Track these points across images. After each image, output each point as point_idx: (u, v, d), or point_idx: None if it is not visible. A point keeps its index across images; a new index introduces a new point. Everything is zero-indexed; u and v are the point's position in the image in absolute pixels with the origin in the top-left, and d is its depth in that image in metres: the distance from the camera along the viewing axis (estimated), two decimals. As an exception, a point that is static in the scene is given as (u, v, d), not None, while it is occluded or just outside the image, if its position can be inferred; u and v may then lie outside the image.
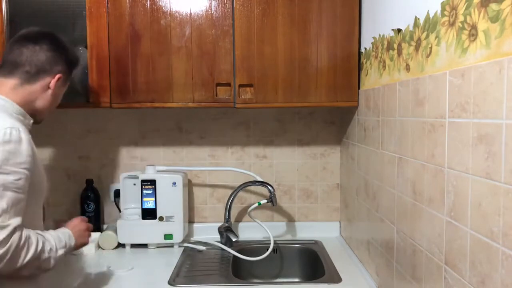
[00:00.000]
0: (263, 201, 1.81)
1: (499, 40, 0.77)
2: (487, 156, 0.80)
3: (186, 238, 1.93)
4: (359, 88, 1.69)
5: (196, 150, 2.02)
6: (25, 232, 1.08)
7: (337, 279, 1.51)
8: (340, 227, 2.04)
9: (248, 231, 1.99)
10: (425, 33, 1.08)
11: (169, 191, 1.82)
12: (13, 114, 1.17)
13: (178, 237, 1.83)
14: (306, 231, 2.02)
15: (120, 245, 1.85)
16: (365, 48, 1.62)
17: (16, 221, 1.05)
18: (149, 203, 1.82)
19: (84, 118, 1.99)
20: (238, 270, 1.70)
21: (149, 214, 1.82)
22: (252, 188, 2.01)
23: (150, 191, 1.82)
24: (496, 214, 0.77)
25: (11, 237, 1.03)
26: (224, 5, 1.65)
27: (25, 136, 1.11)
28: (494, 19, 0.78)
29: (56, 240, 1.17)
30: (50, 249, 1.14)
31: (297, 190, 2.04)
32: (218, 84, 1.68)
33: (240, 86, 1.67)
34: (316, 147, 2.03)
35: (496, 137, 0.77)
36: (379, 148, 1.42)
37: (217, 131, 2.02)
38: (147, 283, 1.53)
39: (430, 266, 1.04)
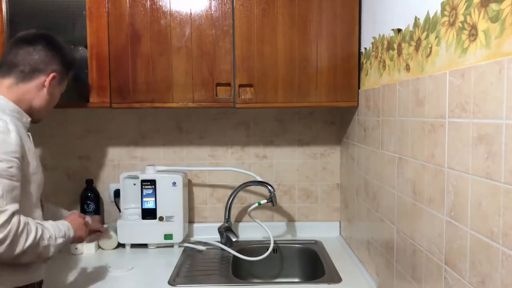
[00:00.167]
0: (263, 201, 1.81)
1: (499, 40, 0.77)
2: (487, 156, 0.80)
3: (186, 238, 1.93)
4: (359, 88, 1.69)
5: (196, 150, 2.02)
6: (24, 218, 1.10)
7: (337, 279, 1.51)
8: (340, 227, 2.04)
9: (248, 231, 1.99)
10: (425, 33, 1.08)
11: (169, 191, 1.82)
12: (6, 111, 1.20)
13: (178, 237, 1.83)
14: (306, 231, 2.02)
15: (120, 245, 1.85)
16: (365, 48, 1.62)
17: (13, 206, 1.08)
18: (149, 203, 1.83)
19: (84, 118, 1.99)
20: (238, 270, 1.70)
21: (149, 214, 1.82)
22: (252, 188, 2.01)
23: (150, 191, 1.82)
24: (496, 214, 0.77)
25: (10, 221, 1.06)
26: (224, 5, 1.65)
27: (12, 128, 1.14)
28: (494, 19, 0.78)
29: (55, 229, 1.20)
30: (50, 237, 1.16)
31: (297, 190, 2.04)
32: (218, 84, 1.68)
33: (240, 86, 1.67)
34: (316, 147, 2.03)
35: (496, 137, 0.77)
36: (379, 148, 1.42)
37: (217, 131, 2.02)
38: (147, 283, 1.53)
39: (430, 266, 1.04)
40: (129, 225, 1.83)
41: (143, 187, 1.82)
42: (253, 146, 2.02)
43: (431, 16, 1.05)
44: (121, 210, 1.89)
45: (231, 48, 1.67)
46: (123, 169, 1.99)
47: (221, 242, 1.86)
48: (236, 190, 1.88)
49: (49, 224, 1.20)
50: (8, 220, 1.05)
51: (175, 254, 1.77)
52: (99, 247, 1.83)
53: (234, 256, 1.74)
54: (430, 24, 1.05)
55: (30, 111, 1.29)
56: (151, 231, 1.83)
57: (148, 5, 1.65)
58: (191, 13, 1.66)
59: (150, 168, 1.86)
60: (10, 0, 1.62)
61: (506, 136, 0.74)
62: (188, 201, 1.99)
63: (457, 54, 0.92)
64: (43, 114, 1.34)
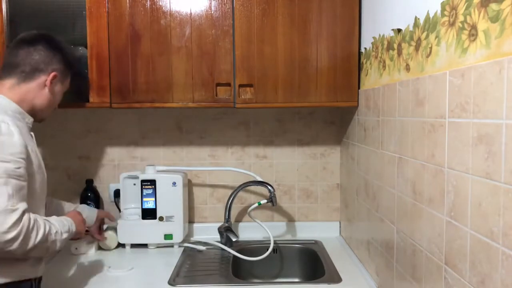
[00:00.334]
0: (263, 201, 1.81)
1: (499, 40, 0.77)
2: (487, 156, 0.80)
3: (186, 238, 1.93)
4: (359, 88, 1.69)
5: (196, 150, 2.02)
6: (33, 215, 1.14)
7: (337, 279, 1.51)
8: (340, 227, 2.04)
9: (248, 231, 1.99)
10: (425, 33, 1.08)
11: (169, 191, 1.82)
12: (8, 112, 1.21)
13: (178, 237, 1.83)
14: (306, 231, 2.02)
15: (120, 245, 1.85)
16: (365, 48, 1.62)
17: (23, 205, 1.12)
18: (149, 203, 1.83)
19: (84, 118, 2.00)
20: (238, 270, 1.70)
21: (149, 214, 1.82)
22: (252, 188, 2.01)
23: (150, 191, 1.82)
24: (496, 214, 0.77)
25: (21, 219, 1.10)
26: (224, 5, 1.65)
27: (15, 129, 1.16)
28: (494, 19, 0.78)
29: (60, 224, 1.24)
30: (56, 232, 1.21)
31: (297, 190, 2.04)
32: (218, 84, 1.68)
33: (240, 86, 1.67)
34: (316, 147, 2.03)
35: (496, 137, 0.77)
36: (379, 148, 1.42)
37: (217, 131, 2.02)
38: (147, 283, 1.53)
39: (430, 266, 1.04)
40: (129, 225, 1.83)
41: (143, 187, 1.82)
42: (253, 146, 2.02)
43: (431, 16, 1.05)
44: (121, 210, 1.89)
45: (231, 48, 1.67)
46: (123, 169, 1.99)
47: (221, 242, 1.86)
48: (236, 190, 1.88)
49: (54, 220, 1.24)
50: (20, 218, 1.09)
51: (175, 254, 1.77)
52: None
53: (234, 256, 1.74)
54: (430, 24, 1.05)
55: (32, 111, 1.31)
56: (151, 231, 1.83)
57: (148, 5, 1.65)
58: (191, 13, 1.66)
59: (150, 168, 1.86)
60: (10, 0, 1.62)
61: (506, 136, 0.74)
62: (188, 201, 1.99)
63: (457, 54, 0.92)
64: (46, 113, 1.37)
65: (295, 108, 1.98)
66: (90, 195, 1.95)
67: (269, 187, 1.80)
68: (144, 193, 1.82)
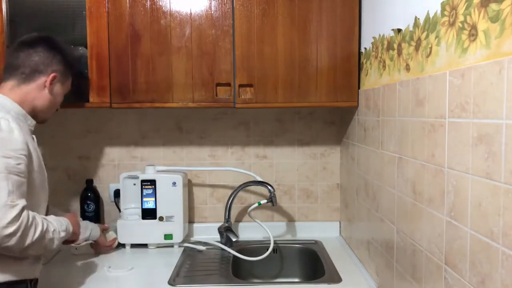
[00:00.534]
0: (263, 201, 1.81)
1: (499, 40, 0.77)
2: (487, 156, 0.80)
3: (186, 238, 1.93)
4: (359, 88, 1.69)
5: (196, 150, 2.02)
6: (31, 212, 1.16)
7: (337, 279, 1.51)
8: (340, 227, 2.04)
9: (248, 231, 1.99)
10: (425, 33, 1.08)
11: (169, 191, 1.82)
12: (10, 112, 1.23)
13: (178, 237, 1.83)
14: (306, 231, 2.02)
15: (120, 245, 1.85)
16: (365, 48, 1.62)
17: (22, 201, 1.13)
18: (149, 203, 1.82)
19: (84, 118, 2.00)
20: (238, 270, 1.70)
21: (149, 214, 1.82)
22: (252, 188, 2.01)
23: (150, 191, 1.82)
24: (496, 214, 0.77)
25: (21, 215, 1.11)
26: (224, 5, 1.65)
27: (15, 126, 1.18)
28: (494, 19, 0.78)
29: (57, 223, 1.26)
30: (54, 230, 1.22)
31: (297, 190, 2.04)
32: (218, 84, 1.68)
33: (240, 86, 1.67)
34: (316, 147, 2.03)
35: (496, 137, 0.77)
36: (379, 148, 1.42)
37: (217, 131, 2.02)
38: (147, 283, 1.53)
39: (430, 266, 1.04)
40: (129, 225, 1.83)
41: (143, 187, 1.82)
42: (253, 146, 2.02)
43: (431, 16, 1.05)
44: (121, 210, 1.89)
45: (231, 48, 1.67)
46: (123, 169, 1.99)
47: (221, 242, 1.86)
48: (236, 190, 1.88)
49: (52, 218, 1.25)
50: (19, 214, 1.10)
51: (175, 254, 1.77)
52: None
53: (234, 256, 1.74)
54: (430, 24, 1.05)
55: (33, 112, 1.32)
56: (151, 231, 1.83)
57: (148, 5, 1.65)
58: (191, 13, 1.66)
59: (150, 168, 1.86)
60: (10, 0, 1.62)
61: (506, 136, 0.74)
62: (188, 201, 1.99)
63: (457, 54, 0.92)
64: (48, 114, 1.38)
65: (295, 108, 1.98)
66: (90, 195, 1.95)
67: (269, 187, 1.80)
68: (144, 193, 1.82)
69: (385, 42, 1.38)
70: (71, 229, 1.32)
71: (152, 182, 1.82)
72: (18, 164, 1.14)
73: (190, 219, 2.02)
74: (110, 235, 1.82)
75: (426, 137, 1.06)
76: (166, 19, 1.66)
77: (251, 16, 1.65)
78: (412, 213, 1.15)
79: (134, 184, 1.87)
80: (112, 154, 2.02)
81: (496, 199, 0.77)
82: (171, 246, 1.86)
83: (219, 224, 1.89)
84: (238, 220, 2.04)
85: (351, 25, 1.67)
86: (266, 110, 1.99)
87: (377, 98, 1.44)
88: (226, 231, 1.85)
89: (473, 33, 0.86)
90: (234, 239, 1.82)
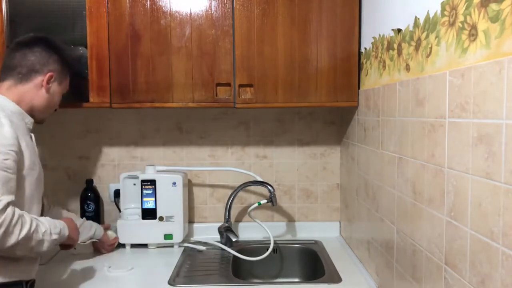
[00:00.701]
0: (263, 201, 1.81)
1: (499, 40, 0.77)
2: (487, 156, 0.80)
3: (186, 238, 1.93)
4: (359, 88, 1.69)
5: (196, 150, 2.02)
6: (19, 211, 1.12)
7: (337, 279, 1.51)
8: (340, 227, 2.04)
9: (248, 231, 1.99)
10: (425, 33, 1.08)
11: (169, 191, 1.82)
12: (5, 109, 1.22)
13: (178, 237, 1.83)
14: (306, 231, 2.02)
15: (120, 245, 1.85)
16: (365, 48, 1.62)
17: (8, 198, 1.10)
18: (149, 203, 1.82)
19: (84, 118, 2.00)
20: (238, 270, 1.70)
21: (149, 214, 1.82)
22: (252, 188, 2.01)
23: (150, 191, 1.82)
24: (496, 214, 0.77)
25: (4, 211, 1.07)
26: (224, 5, 1.65)
27: (5, 121, 1.16)
28: (494, 19, 0.78)
29: (51, 225, 1.21)
30: (45, 231, 1.18)
31: (297, 190, 2.04)
32: (218, 84, 1.68)
33: (240, 86, 1.67)
34: (316, 147, 2.03)
35: (496, 137, 0.77)
36: (379, 148, 1.42)
37: (217, 131, 2.02)
38: (147, 283, 1.53)
39: (430, 266, 1.04)
40: (129, 225, 1.83)
41: (143, 187, 1.82)
42: (253, 146, 2.02)
43: (431, 16, 1.05)
44: (121, 210, 1.89)
45: (231, 48, 1.67)
46: (123, 169, 1.99)
47: (221, 242, 1.86)
48: (236, 190, 1.88)
49: (45, 219, 1.21)
50: (2, 210, 1.07)
51: (175, 254, 1.77)
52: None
53: (234, 256, 1.74)
54: (430, 24, 1.05)
55: (31, 111, 1.32)
56: (151, 231, 1.83)
57: (148, 5, 1.65)
58: (191, 13, 1.66)
59: (150, 168, 1.86)
60: (10, 0, 1.62)
61: (506, 136, 0.74)
62: (188, 201, 1.99)
63: (457, 54, 0.92)
64: (45, 113, 1.38)
65: (295, 108, 1.98)
66: (90, 195, 1.95)
67: (269, 187, 1.80)
68: (144, 193, 1.82)
69: (385, 42, 1.38)
70: (66, 233, 1.28)
71: (152, 182, 1.82)
72: (6, 159, 1.11)
73: (190, 219, 2.02)
74: (111, 234, 1.82)
75: (426, 137, 1.06)
76: (166, 19, 1.66)
77: (251, 16, 1.65)
78: (412, 213, 1.15)
79: (134, 184, 1.87)
80: (112, 154, 2.02)
81: (496, 199, 0.77)
82: (171, 246, 1.86)
83: (219, 224, 1.89)
84: (238, 220, 2.04)
85: (351, 25, 1.67)
86: (266, 110, 1.99)
87: (377, 98, 1.44)
88: (226, 231, 1.85)
89: (473, 33, 0.86)
90: (234, 239, 1.82)
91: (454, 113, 0.92)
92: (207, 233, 1.97)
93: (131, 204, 1.89)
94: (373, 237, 1.51)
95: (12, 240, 1.09)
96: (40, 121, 1.38)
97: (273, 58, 1.66)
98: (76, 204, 1.97)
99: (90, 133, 2.01)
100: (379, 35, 1.45)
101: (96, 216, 1.94)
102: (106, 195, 1.99)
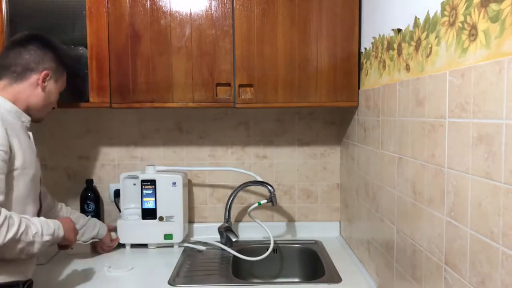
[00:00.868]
0: (263, 201, 1.81)
1: (499, 40, 0.77)
2: (487, 156, 0.80)
3: (186, 238, 1.93)
4: (359, 88, 1.69)
5: (196, 150, 2.02)
6: (6, 211, 1.09)
7: (337, 279, 1.51)
8: (340, 227, 2.04)
9: (248, 231, 1.99)
10: (425, 33, 1.08)
11: (169, 191, 1.82)
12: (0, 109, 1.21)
13: (178, 237, 1.83)
14: (306, 231, 2.02)
15: (120, 245, 1.85)
16: (365, 48, 1.62)
17: None
18: (149, 203, 1.82)
19: (84, 118, 2.00)
20: (238, 270, 1.70)
21: (149, 214, 1.82)
22: (252, 188, 2.01)
23: (150, 191, 1.82)
24: (496, 214, 0.77)
25: None
26: (224, 5, 1.65)
27: None
28: (494, 19, 0.78)
29: (43, 225, 1.18)
30: (36, 233, 1.15)
31: (297, 190, 2.04)
32: (218, 84, 1.68)
33: (240, 86, 1.67)
34: (316, 147, 2.03)
35: (496, 137, 0.77)
36: (379, 148, 1.42)
37: (217, 131, 2.02)
38: (147, 283, 1.53)
39: (430, 266, 1.04)
40: (129, 225, 1.83)
41: (143, 187, 1.82)
42: (253, 146, 2.02)
43: (431, 16, 1.05)
44: (121, 210, 1.89)
45: (231, 48, 1.67)
46: (123, 169, 1.99)
47: (221, 242, 1.86)
48: (236, 190, 1.88)
49: (37, 220, 1.19)
50: None
51: (175, 254, 1.77)
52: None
53: (234, 256, 1.74)
54: (430, 24, 1.05)
55: (28, 110, 1.30)
56: (151, 231, 1.83)
57: (148, 5, 1.65)
58: (191, 13, 1.66)
59: (150, 168, 1.86)
60: (10, 0, 1.62)
61: (506, 136, 0.74)
62: (188, 201, 1.99)
63: (457, 54, 0.92)
64: (43, 112, 1.36)
65: (295, 108, 1.98)
66: (90, 195, 1.94)
67: (269, 187, 1.80)
68: (144, 193, 1.82)
69: (385, 42, 1.38)
70: (61, 234, 1.24)
71: (152, 182, 1.82)
72: None
73: (190, 219, 2.02)
74: (112, 235, 1.82)
75: (426, 137, 1.06)
76: (166, 19, 1.66)
77: (251, 16, 1.65)
78: (412, 213, 1.15)
79: (134, 184, 1.87)
80: (112, 154, 2.02)
81: (496, 199, 0.77)
82: (171, 246, 1.86)
83: (219, 224, 1.89)
84: (238, 220, 2.04)
85: (351, 25, 1.67)
86: (266, 110, 1.99)
87: (377, 98, 1.44)
88: (226, 231, 1.85)
89: (473, 33, 0.86)
90: (234, 239, 1.82)
91: (454, 113, 0.92)
92: (207, 233, 1.97)
93: (131, 204, 1.89)
94: (373, 237, 1.51)
95: None
96: (38, 120, 1.36)
97: (273, 58, 1.66)
98: (76, 204, 1.97)
99: (90, 133, 2.01)
100: (379, 35, 1.45)
101: (96, 216, 1.94)
102: (106, 195, 1.99)
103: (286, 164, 2.03)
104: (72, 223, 1.36)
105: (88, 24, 1.64)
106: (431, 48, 1.04)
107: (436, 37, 1.01)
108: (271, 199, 1.79)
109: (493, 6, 0.79)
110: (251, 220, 1.89)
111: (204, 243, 1.88)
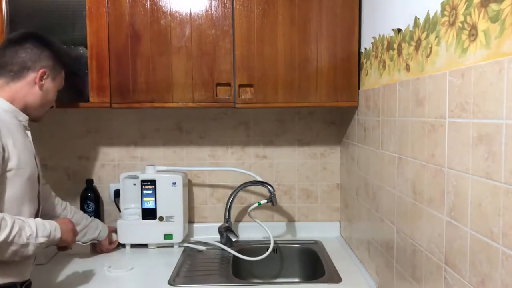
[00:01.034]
0: (263, 201, 1.81)
1: (499, 40, 0.77)
2: (487, 156, 0.80)
3: (186, 238, 1.93)
4: (359, 88, 1.69)
5: (196, 150, 2.02)
6: None
7: (337, 279, 1.51)
8: (340, 227, 2.04)
9: (248, 231, 1.99)
10: (425, 33, 1.08)
11: (169, 191, 1.82)
12: None
13: (178, 237, 1.83)
14: (306, 231, 2.02)
15: (120, 245, 1.85)
16: (365, 48, 1.62)
17: None
18: (149, 203, 1.82)
19: (84, 118, 2.00)
20: (238, 270, 1.70)
21: (149, 214, 1.82)
22: (252, 188, 2.01)
23: (150, 191, 1.82)
24: (496, 214, 0.77)
25: None
26: (224, 5, 1.65)
27: None
28: (494, 19, 0.78)
29: (39, 227, 1.17)
30: (30, 235, 1.13)
31: (297, 190, 2.04)
32: (218, 84, 1.68)
33: (240, 86, 1.67)
34: (316, 147, 2.03)
35: (496, 137, 0.77)
36: (379, 148, 1.42)
37: (217, 131, 2.02)
38: (147, 283, 1.53)
39: (430, 266, 1.04)
40: (129, 225, 1.83)
41: (143, 187, 1.82)
42: (253, 146, 2.02)
43: (431, 16, 1.05)
44: (121, 210, 1.89)
45: (231, 48, 1.67)
46: (123, 169, 1.99)
47: (221, 242, 1.86)
48: (236, 190, 1.88)
49: (33, 221, 1.17)
50: None
51: (175, 254, 1.77)
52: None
53: (234, 256, 1.74)
54: (430, 24, 1.05)
55: (25, 109, 1.29)
56: (151, 231, 1.83)
57: (148, 5, 1.65)
58: (191, 13, 1.66)
59: (150, 168, 1.86)
60: (10, 0, 1.62)
61: (506, 136, 0.74)
62: (188, 201, 1.99)
63: (457, 54, 0.92)
64: (41, 111, 1.34)
65: (295, 108, 1.98)
66: (90, 195, 1.95)
67: (269, 187, 1.80)
68: (144, 193, 1.82)
69: (385, 42, 1.38)
70: (58, 235, 1.22)
71: (152, 182, 1.82)
72: None
73: (190, 219, 2.02)
74: (113, 236, 1.82)
75: (426, 137, 1.06)
76: (166, 19, 1.66)
77: (251, 16, 1.65)
78: (412, 213, 1.15)
79: (134, 184, 1.87)
80: (112, 154, 2.02)
81: (496, 199, 0.77)
82: (171, 246, 1.86)
83: (219, 224, 1.89)
84: (238, 220, 2.04)
85: (351, 25, 1.67)
86: (266, 110, 1.99)
87: (377, 98, 1.44)
88: (226, 231, 1.85)
89: (473, 33, 0.86)
90: (234, 239, 1.82)
91: (454, 113, 0.92)
92: (207, 233, 1.97)
93: (131, 204, 1.89)
94: (373, 237, 1.50)
95: None
96: (37, 119, 1.34)
97: (273, 58, 1.66)
98: (76, 204, 1.96)
99: (90, 133, 2.01)
100: (379, 35, 1.45)
101: (96, 216, 1.94)
102: (106, 195, 1.99)
103: (286, 164, 2.03)
104: (71, 224, 1.33)
105: (88, 24, 1.64)
106: (431, 48, 1.04)
107: (436, 37, 1.01)
108: (271, 199, 1.79)
109: (493, 6, 0.79)
110: (251, 220, 1.89)
111: (204, 243, 1.88)
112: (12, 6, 1.63)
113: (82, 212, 1.70)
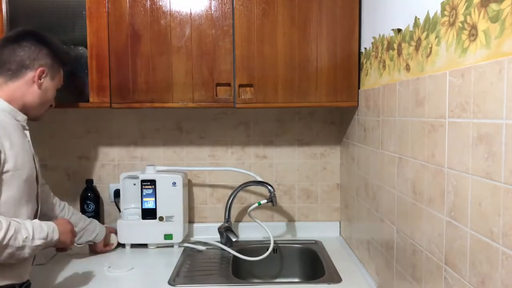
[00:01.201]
0: (263, 201, 1.81)
1: (499, 40, 0.77)
2: (487, 156, 0.80)
3: (186, 238, 1.93)
4: (359, 88, 1.69)
5: (196, 150, 2.02)
6: None
7: (337, 279, 1.51)
8: (340, 227, 2.04)
9: (248, 231, 1.99)
10: (425, 33, 1.08)
11: (169, 191, 1.82)
12: None
13: (178, 237, 1.83)
14: (306, 231, 2.02)
15: (120, 245, 1.85)
16: (365, 48, 1.62)
17: None
18: (149, 203, 1.82)
19: (84, 118, 2.00)
20: (238, 270, 1.70)
21: (149, 214, 1.82)
22: (252, 188, 2.01)
23: (150, 191, 1.82)
24: (496, 214, 0.77)
25: None
26: (224, 5, 1.65)
27: None
28: (494, 19, 0.78)
29: (36, 229, 1.15)
30: (26, 237, 1.11)
31: (297, 190, 2.04)
32: (218, 84, 1.68)
33: (240, 86, 1.67)
34: (316, 147, 2.03)
35: (496, 137, 0.77)
36: (379, 148, 1.42)
37: (217, 131, 2.02)
38: (147, 283, 1.53)
39: (430, 266, 1.04)
40: (129, 225, 1.83)
41: (143, 187, 1.82)
42: (253, 146, 2.02)
43: (431, 16, 1.05)
44: (121, 210, 1.89)
45: (231, 48, 1.67)
46: (123, 169, 1.99)
47: (221, 242, 1.86)
48: (236, 190, 1.88)
49: (30, 223, 1.15)
50: None
51: (175, 254, 1.77)
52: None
53: (234, 256, 1.74)
54: (430, 24, 1.05)
55: (24, 108, 1.27)
56: (151, 231, 1.83)
57: (148, 5, 1.65)
58: (191, 13, 1.66)
59: (150, 168, 1.86)
60: (10, 0, 1.62)
61: (506, 136, 0.74)
62: (188, 201, 1.99)
63: (457, 54, 0.92)
64: (40, 110, 1.33)
65: (295, 108, 1.98)
66: (90, 195, 1.95)
67: (269, 187, 1.80)
68: (144, 193, 1.82)
69: (385, 42, 1.38)
70: (55, 237, 1.20)
71: (152, 182, 1.82)
72: None
73: (190, 219, 2.02)
74: (113, 238, 1.81)
75: (426, 137, 1.05)
76: (166, 19, 1.66)
77: (251, 16, 1.65)
78: (412, 213, 1.15)
79: (134, 184, 1.87)
80: (112, 154, 2.02)
81: (496, 199, 0.77)
82: (171, 246, 1.86)
83: (219, 224, 1.89)
84: (238, 220, 2.04)
85: (351, 25, 1.67)
86: (266, 110, 1.99)
87: (377, 98, 1.44)
88: (226, 231, 1.85)
89: (473, 33, 0.86)
90: (234, 239, 1.82)
91: (454, 113, 0.92)
92: (207, 233, 1.97)
93: (131, 204, 1.89)
94: (373, 237, 1.50)
95: None
96: (36, 118, 1.33)
97: (273, 58, 1.66)
98: (76, 204, 1.97)
99: (90, 133, 2.01)
100: (379, 35, 1.45)
101: (96, 216, 1.94)
102: (106, 195, 1.99)
103: (286, 164, 2.03)
104: (70, 224, 1.32)
105: (88, 24, 1.64)
106: (431, 48, 1.04)
107: (436, 37, 1.01)
108: (271, 199, 1.79)
109: (493, 6, 0.79)
110: (251, 220, 1.89)
111: (204, 243, 1.88)
112: (12, 6, 1.63)
113: (80, 213, 1.70)
